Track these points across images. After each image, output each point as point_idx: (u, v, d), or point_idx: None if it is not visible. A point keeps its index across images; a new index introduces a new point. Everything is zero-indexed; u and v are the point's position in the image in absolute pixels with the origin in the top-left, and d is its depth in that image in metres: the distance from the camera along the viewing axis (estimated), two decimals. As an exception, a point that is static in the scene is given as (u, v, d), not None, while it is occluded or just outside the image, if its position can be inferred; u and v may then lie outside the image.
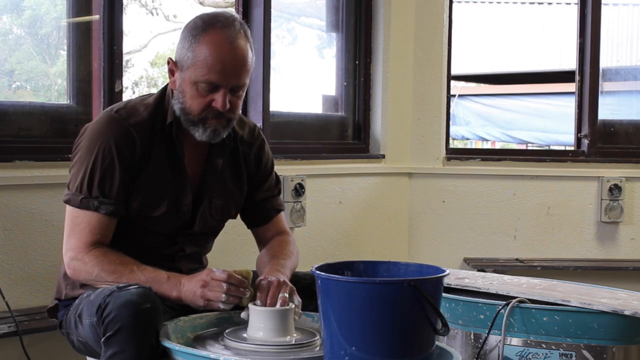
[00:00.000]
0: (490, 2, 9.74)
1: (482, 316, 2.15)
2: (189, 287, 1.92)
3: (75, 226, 2.02)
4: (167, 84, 2.15)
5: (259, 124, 3.34)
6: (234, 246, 3.15)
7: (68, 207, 2.05)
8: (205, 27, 2.00)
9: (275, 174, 2.34)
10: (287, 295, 1.89)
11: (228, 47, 1.99)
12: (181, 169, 2.10)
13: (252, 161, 2.26)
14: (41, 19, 3.07)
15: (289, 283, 1.95)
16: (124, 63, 2.99)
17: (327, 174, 3.64)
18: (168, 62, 2.09)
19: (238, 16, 2.08)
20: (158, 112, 2.09)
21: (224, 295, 1.87)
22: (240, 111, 2.16)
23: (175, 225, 2.13)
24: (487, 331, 2.12)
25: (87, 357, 2.07)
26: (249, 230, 2.34)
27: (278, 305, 1.86)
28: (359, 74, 3.92)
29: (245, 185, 2.25)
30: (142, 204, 2.06)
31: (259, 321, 1.85)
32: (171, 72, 2.08)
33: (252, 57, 2.06)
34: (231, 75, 2.00)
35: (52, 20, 3.08)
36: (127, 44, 5.59)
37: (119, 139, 2.02)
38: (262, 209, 2.29)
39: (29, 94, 3.29)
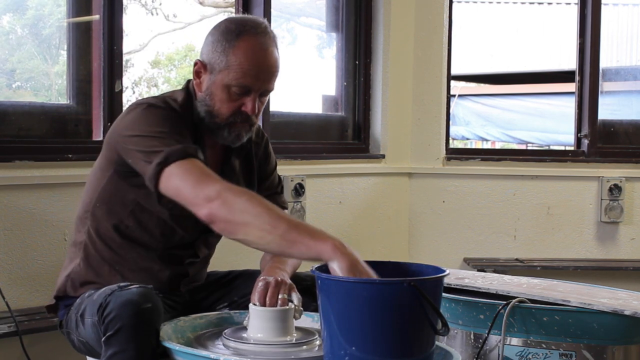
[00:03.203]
0: (490, 2, 9.74)
1: (482, 316, 2.15)
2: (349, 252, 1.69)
3: (191, 175, 1.84)
4: (187, 85, 2.12)
5: (259, 124, 3.34)
6: (234, 246, 3.14)
7: (166, 171, 1.87)
8: (240, 32, 1.99)
9: (277, 173, 2.34)
10: (287, 296, 1.88)
11: (263, 54, 2.00)
12: None
13: (261, 160, 2.27)
14: (44, 19, 3.08)
15: (288, 281, 1.94)
16: (123, 63, 2.99)
17: (327, 174, 3.64)
18: (195, 64, 2.06)
19: (266, 21, 2.07)
20: (187, 111, 2.06)
21: None
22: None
23: (197, 228, 2.07)
24: (487, 331, 2.11)
25: (87, 357, 2.07)
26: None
27: (278, 306, 1.86)
28: (359, 74, 3.92)
29: (256, 187, 2.25)
30: (169, 200, 1.97)
31: (259, 321, 1.85)
32: (197, 74, 2.05)
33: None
34: (264, 80, 2.01)
35: (55, 20, 3.08)
36: (127, 44, 5.58)
37: (167, 113, 1.98)
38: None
39: (29, 93, 3.29)
